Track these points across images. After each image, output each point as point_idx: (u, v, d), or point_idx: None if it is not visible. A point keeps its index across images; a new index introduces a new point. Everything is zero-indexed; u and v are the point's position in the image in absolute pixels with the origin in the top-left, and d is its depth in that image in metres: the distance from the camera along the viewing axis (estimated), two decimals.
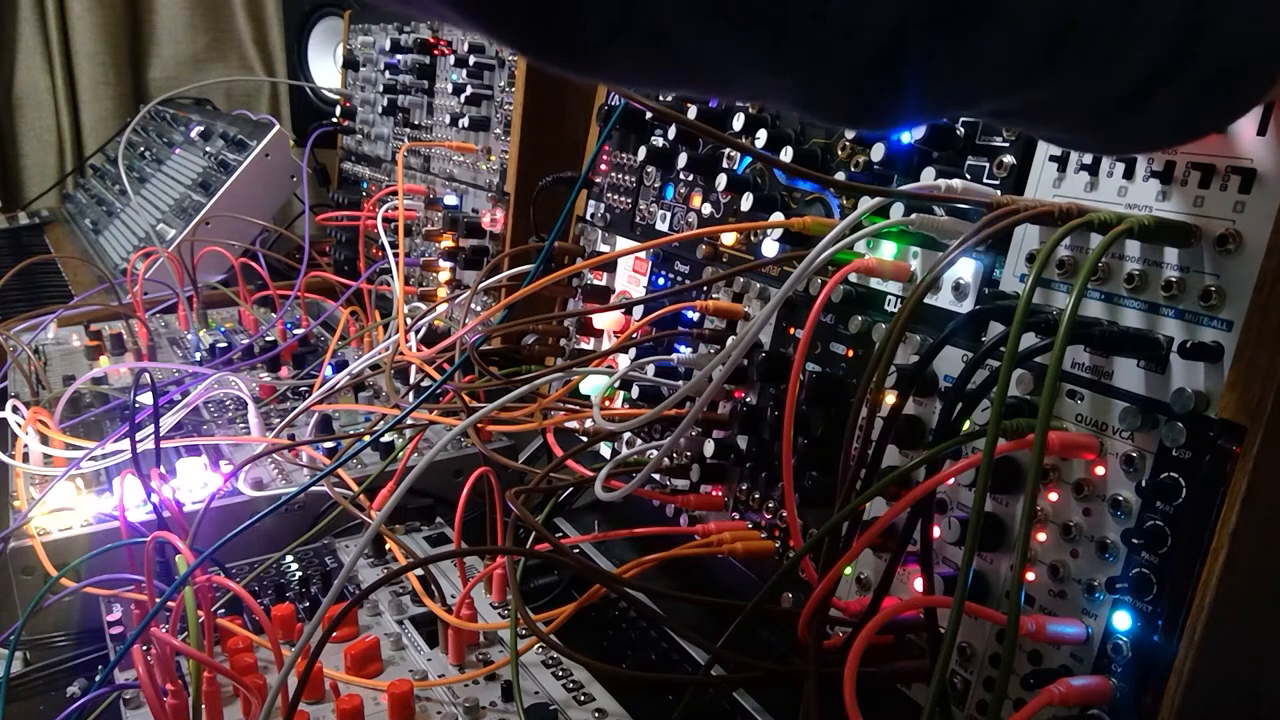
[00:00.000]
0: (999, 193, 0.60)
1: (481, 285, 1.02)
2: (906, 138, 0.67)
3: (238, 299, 1.43)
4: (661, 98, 0.94)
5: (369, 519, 0.85)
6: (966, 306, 0.63)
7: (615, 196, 1.01)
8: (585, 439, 0.85)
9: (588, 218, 1.05)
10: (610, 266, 1.00)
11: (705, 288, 0.84)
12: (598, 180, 1.03)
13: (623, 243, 0.99)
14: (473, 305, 1.12)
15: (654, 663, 0.76)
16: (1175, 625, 0.49)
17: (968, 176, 0.63)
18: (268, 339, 1.31)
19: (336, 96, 1.79)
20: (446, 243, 1.27)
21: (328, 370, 1.13)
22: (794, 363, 0.63)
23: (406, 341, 1.01)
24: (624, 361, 0.90)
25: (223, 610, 0.75)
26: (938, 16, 0.34)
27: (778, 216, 0.75)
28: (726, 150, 0.85)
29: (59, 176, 2.48)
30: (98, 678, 0.67)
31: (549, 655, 0.72)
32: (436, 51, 1.39)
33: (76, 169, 2.46)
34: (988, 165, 0.63)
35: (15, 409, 0.96)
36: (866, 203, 0.66)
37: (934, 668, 0.56)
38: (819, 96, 0.38)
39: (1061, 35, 0.36)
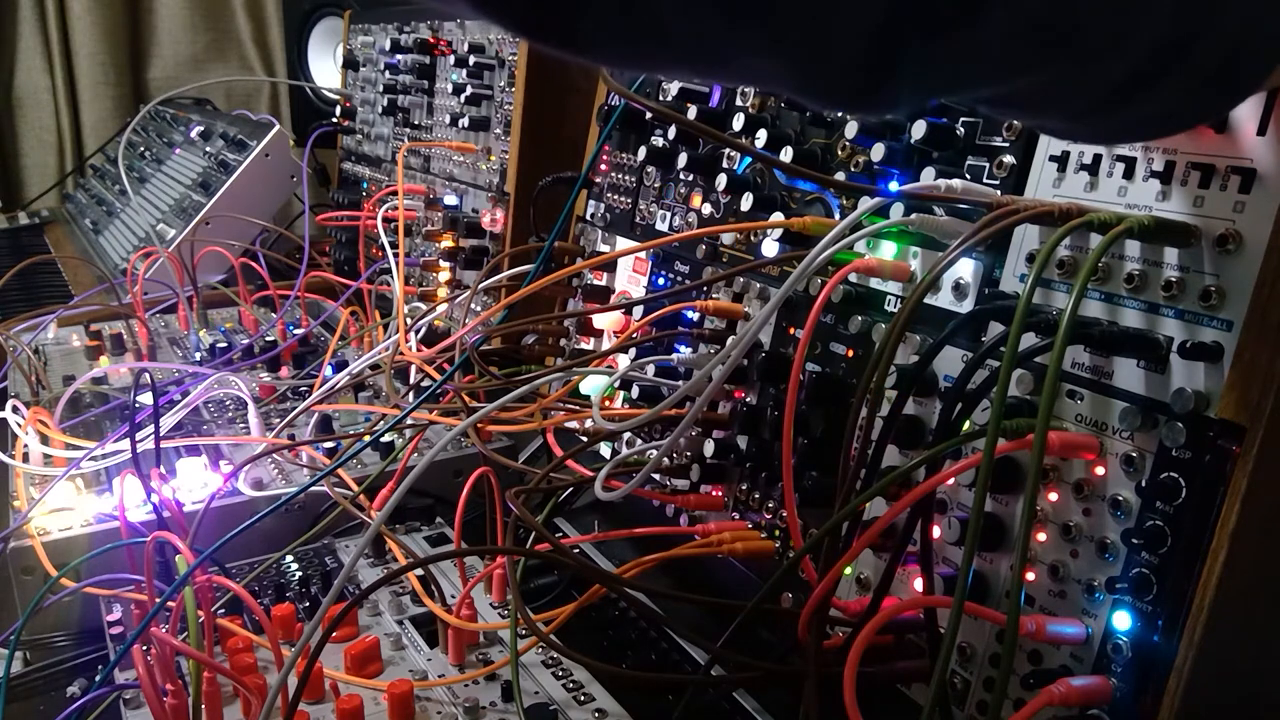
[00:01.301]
0: (999, 193, 0.60)
1: (481, 285, 1.02)
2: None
3: (238, 299, 1.43)
4: (661, 98, 0.94)
5: (369, 519, 0.85)
6: (966, 306, 0.63)
7: (615, 196, 1.01)
8: (585, 439, 0.85)
9: (588, 218, 1.05)
10: (610, 266, 1.00)
11: (705, 288, 0.84)
12: (598, 180, 1.03)
13: (623, 243, 0.99)
14: (473, 305, 1.12)
15: (654, 663, 0.76)
16: (1175, 625, 0.49)
17: (968, 176, 0.63)
18: (268, 339, 1.31)
19: (336, 96, 1.79)
20: (446, 243, 1.27)
21: (328, 370, 1.13)
22: (794, 363, 0.63)
23: (406, 341, 1.01)
24: (624, 361, 0.90)
25: (223, 610, 0.75)
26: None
27: (778, 216, 0.75)
28: (726, 150, 0.85)
29: (59, 176, 2.48)
30: (98, 678, 0.67)
31: (549, 655, 0.72)
32: (436, 51, 1.39)
33: (76, 169, 2.46)
34: (988, 165, 0.63)
35: (15, 409, 0.96)
36: (866, 203, 0.66)
37: (934, 668, 0.56)
38: (816, 82, 0.38)
39: (1064, 19, 0.36)
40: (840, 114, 0.74)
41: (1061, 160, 0.59)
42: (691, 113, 0.85)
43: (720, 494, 0.81)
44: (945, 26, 0.34)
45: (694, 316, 0.87)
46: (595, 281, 1.01)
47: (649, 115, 0.93)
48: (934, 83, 0.39)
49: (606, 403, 0.92)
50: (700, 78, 0.84)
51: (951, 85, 0.40)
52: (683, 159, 0.87)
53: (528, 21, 0.35)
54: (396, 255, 1.13)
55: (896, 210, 0.65)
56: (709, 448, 0.79)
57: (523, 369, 1.02)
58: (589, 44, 0.36)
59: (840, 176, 0.72)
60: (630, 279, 0.98)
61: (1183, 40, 0.38)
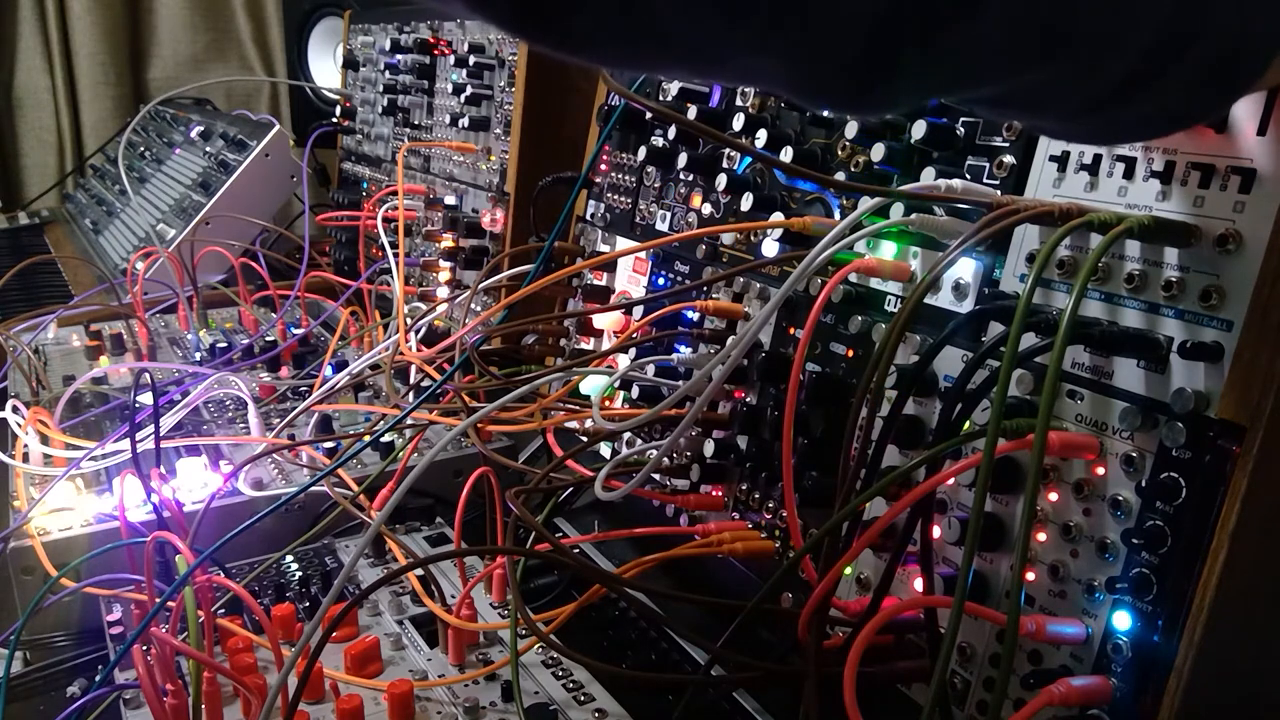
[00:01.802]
0: (999, 193, 0.60)
1: (481, 285, 1.02)
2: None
3: (238, 299, 1.43)
4: (661, 98, 0.94)
5: (369, 519, 0.85)
6: (966, 306, 0.63)
7: (615, 196, 1.01)
8: (585, 439, 0.85)
9: (588, 218, 1.05)
10: (610, 266, 1.00)
11: (705, 288, 0.84)
12: (598, 180, 1.03)
13: (623, 243, 0.99)
14: (473, 305, 1.12)
15: (654, 663, 0.76)
16: (1175, 625, 0.49)
17: (968, 176, 0.63)
18: (268, 339, 1.31)
19: (336, 96, 1.79)
20: (446, 243, 1.27)
21: (328, 370, 1.13)
22: (794, 363, 0.63)
23: (406, 341, 1.01)
24: (624, 361, 0.90)
25: (223, 610, 0.75)
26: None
27: (778, 216, 0.75)
28: (726, 150, 0.85)
29: (59, 176, 2.48)
30: (98, 678, 0.67)
31: (549, 655, 0.72)
32: (436, 51, 1.39)
33: (76, 169, 2.46)
34: (988, 165, 0.63)
35: (15, 409, 0.96)
36: (866, 203, 0.66)
37: (934, 668, 0.56)
38: (815, 81, 0.37)
39: (1063, 19, 0.36)
40: (839, 114, 0.74)
41: (1061, 160, 0.59)
42: (691, 113, 0.85)
43: (720, 494, 0.81)
44: (944, 25, 0.34)
45: (694, 316, 0.87)
46: (595, 281, 1.01)
47: (649, 115, 0.93)
48: (932, 82, 0.39)
49: (606, 403, 0.92)
50: (699, 77, 0.84)
51: (950, 85, 0.40)
52: (683, 159, 0.87)
53: (523, 21, 0.35)
54: (396, 255, 1.13)
55: (896, 210, 0.65)
56: (709, 448, 0.79)
57: (523, 369, 1.02)
58: (587, 43, 0.36)
59: (840, 176, 0.72)
60: (630, 279, 0.98)
61: (1181, 40, 0.38)
